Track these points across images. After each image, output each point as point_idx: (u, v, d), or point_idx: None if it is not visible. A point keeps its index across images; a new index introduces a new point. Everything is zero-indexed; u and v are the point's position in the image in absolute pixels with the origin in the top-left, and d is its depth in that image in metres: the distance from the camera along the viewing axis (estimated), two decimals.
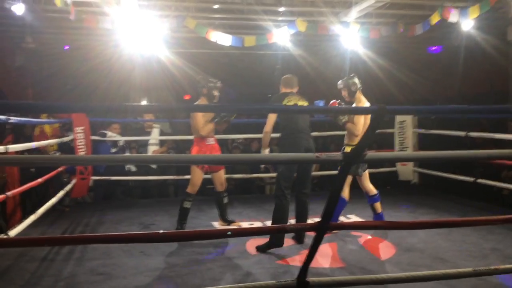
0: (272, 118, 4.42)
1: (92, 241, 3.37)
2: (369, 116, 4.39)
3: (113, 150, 6.72)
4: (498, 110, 2.75)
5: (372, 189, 4.79)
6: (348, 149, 4.60)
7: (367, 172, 4.82)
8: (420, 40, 9.01)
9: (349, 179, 4.64)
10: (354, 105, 4.70)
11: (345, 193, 4.64)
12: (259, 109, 3.52)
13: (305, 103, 4.45)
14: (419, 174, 7.25)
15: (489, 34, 7.91)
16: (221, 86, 4.88)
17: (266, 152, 4.42)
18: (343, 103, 4.73)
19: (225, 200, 5.05)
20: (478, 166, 6.59)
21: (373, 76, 9.72)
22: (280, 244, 4.15)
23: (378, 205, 4.80)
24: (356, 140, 4.55)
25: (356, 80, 4.69)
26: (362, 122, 4.54)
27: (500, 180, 5.98)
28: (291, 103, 4.35)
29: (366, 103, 4.69)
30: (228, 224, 5.05)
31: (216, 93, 4.84)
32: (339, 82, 4.76)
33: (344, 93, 4.73)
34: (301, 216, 4.34)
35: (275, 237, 4.14)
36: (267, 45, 7.76)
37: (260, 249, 4.14)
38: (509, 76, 8.46)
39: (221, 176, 5.00)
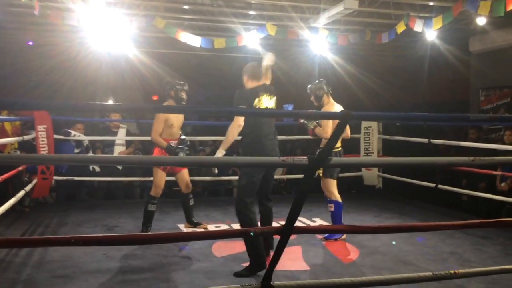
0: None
1: (53, 243, 3.27)
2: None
3: (77, 150, 6.55)
4: (459, 118, 2.84)
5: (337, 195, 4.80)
6: None
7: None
8: (386, 48, 9.22)
9: (334, 182, 4.71)
10: (322, 109, 4.77)
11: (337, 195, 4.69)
12: (228, 112, 3.47)
13: (274, 100, 4.01)
14: (384, 179, 7.41)
15: (452, 45, 8.19)
16: (188, 89, 4.85)
17: (221, 154, 3.88)
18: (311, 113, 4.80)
19: (191, 202, 5.00)
20: (439, 173, 6.79)
21: (341, 81, 9.88)
22: (263, 267, 3.53)
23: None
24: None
25: (322, 85, 4.77)
26: (330, 125, 4.62)
27: (460, 186, 6.19)
28: (262, 104, 3.90)
29: (335, 107, 4.75)
30: (194, 227, 5.01)
31: (184, 95, 4.82)
32: (308, 87, 4.86)
33: (312, 98, 4.82)
34: (267, 222, 3.95)
35: (256, 260, 3.64)
36: (238, 47, 7.77)
37: (239, 274, 3.62)
38: (470, 85, 8.79)
39: (185, 177, 4.95)
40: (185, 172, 4.96)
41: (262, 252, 3.67)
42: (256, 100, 3.89)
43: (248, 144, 3.90)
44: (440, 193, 6.21)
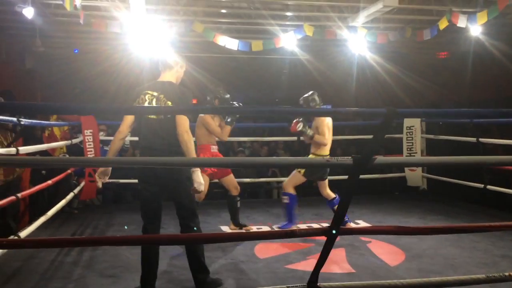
0: (127, 117, 3.31)
1: (102, 243, 3.38)
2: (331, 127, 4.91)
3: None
4: (510, 113, 2.73)
5: (331, 194, 5.05)
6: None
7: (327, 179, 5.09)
8: (428, 45, 8.98)
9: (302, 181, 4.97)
10: (314, 121, 5.02)
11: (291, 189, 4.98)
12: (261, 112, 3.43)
13: (162, 100, 3.23)
14: (428, 180, 7.21)
15: (498, 40, 7.87)
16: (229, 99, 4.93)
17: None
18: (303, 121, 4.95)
19: (238, 204, 5.06)
20: (488, 173, 6.53)
21: (380, 81, 9.70)
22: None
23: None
24: (324, 150, 4.91)
25: (316, 97, 4.98)
26: (327, 132, 4.89)
27: (510, 187, 5.93)
28: (144, 103, 3.22)
29: (326, 120, 4.93)
30: (240, 228, 5.05)
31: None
32: (301, 98, 5.03)
33: None
34: (191, 258, 3.36)
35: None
36: (275, 49, 7.77)
37: None
38: None
39: (232, 180, 5.00)
40: (231, 175, 5.01)
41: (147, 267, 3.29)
42: (137, 101, 3.27)
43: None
44: (489, 194, 5.97)
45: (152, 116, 3.22)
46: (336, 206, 4.88)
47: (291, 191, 4.96)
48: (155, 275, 3.32)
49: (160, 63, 3.42)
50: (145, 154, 3.26)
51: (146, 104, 3.22)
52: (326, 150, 4.94)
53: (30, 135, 5.71)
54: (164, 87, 3.29)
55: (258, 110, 3.81)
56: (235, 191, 4.99)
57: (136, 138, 6.69)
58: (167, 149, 3.18)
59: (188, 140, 3.20)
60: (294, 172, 5.00)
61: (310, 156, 4.99)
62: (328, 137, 4.89)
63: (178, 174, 3.23)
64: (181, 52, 8.61)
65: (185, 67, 3.51)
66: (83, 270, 3.79)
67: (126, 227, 5.22)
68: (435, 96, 10.45)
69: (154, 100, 3.24)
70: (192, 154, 3.20)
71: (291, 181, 4.99)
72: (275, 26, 7.44)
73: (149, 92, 3.27)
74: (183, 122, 3.23)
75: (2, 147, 4.44)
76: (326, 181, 5.04)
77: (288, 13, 7.28)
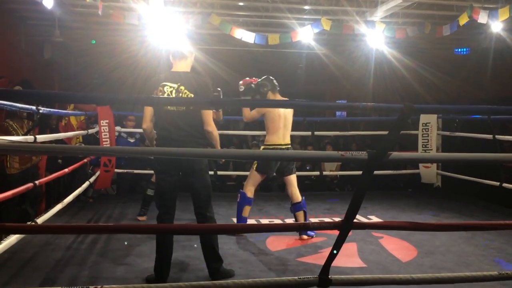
0: (147, 110, 3.38)
1: (116, 230, 3.44)
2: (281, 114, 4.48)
3: (132, 140, 6.87)
4: None
5: (297, 195, 4.54)
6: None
7: (295, 176, 4.63)
8: (447, 41, 8.87)
9: (259, 178, 4.60)
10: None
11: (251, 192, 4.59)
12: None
13: (188, 94, 3.28)
14: (443, 177, 7.13)
15: None
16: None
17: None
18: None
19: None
20: (504, 171, 6.43)
21: (399, 76, 9.61)
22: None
23: (301, 214, 4.52)
24: (272, 139, 4.48)
25: (266, 82, 4.56)
26: (256, 114, 4.55)
27: None
28: (164, 95, 3.28)
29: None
30: None
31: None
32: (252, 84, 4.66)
33: (257, 97, 4.61)
34: (206, 248, 3.41)
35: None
36: (292, 43, 7.76)
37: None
38: None
39: None
40: None
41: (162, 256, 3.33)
42: (155, 92, 3.33)
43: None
44: (505, 193, 5.89)
45: (172, 108, 3.25)
46: (300, 211, 4.49)
47: (247, 190, 4.56)
48: (168, 264, 3.37)
49: (173, 53, 3.43)
50: (163, 145, 3.26)
51: (165, 96, 3.26)
52: (275, 139, 4.46)
53: (45, 124, 5.80)
54: (183, 77, 3.33)
55: (278, 103, 3.83)
56: None
57: None
58: (188, 140, 3.25)
59: (217, 136, 3.35)
60: (251, 169, 4.65)
61: (262, 148, 4.67)
62: (248, 115, 4.53)
63: (198, 164, 3.31)
64: (197, 44, 8.67)
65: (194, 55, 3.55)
66: (97, 257, 3.85)
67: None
68: (454, 92, 10.31)
69: (174, 91, 3.28)
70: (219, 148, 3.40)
71: (249, 180, 4.60)
72: (292, 20, 7.42)
73: (167, 83, 3.30)
74: (210, 118, 3.32)
75: (18, 135, 4.52)
76: (295, 179, 4.58)
77: (306, 7, 7.25)
